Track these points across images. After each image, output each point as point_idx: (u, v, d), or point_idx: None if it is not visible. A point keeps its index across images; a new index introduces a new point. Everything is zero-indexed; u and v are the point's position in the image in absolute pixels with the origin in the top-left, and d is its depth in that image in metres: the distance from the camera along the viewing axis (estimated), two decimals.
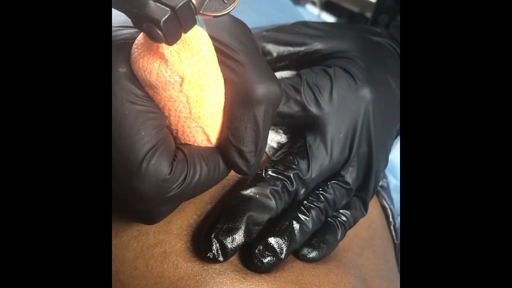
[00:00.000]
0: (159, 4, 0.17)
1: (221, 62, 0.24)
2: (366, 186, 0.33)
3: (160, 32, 0.17)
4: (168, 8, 0.17)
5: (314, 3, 0.92)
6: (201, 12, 0.20)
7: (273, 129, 0.35)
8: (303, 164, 0.30)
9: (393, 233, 0.40)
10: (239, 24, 0.26)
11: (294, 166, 0.30)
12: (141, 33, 0.21)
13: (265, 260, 0.27)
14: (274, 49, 0.36)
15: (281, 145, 0.34)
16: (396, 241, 0.40)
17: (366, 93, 0.32)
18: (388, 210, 0.40)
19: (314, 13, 0.87)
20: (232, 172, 0.26)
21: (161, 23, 0.17)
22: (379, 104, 0.33)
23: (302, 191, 0.30)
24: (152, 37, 0.18)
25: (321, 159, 0.31)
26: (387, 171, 0.44)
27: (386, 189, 0.42)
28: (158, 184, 0.22)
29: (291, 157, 0.31)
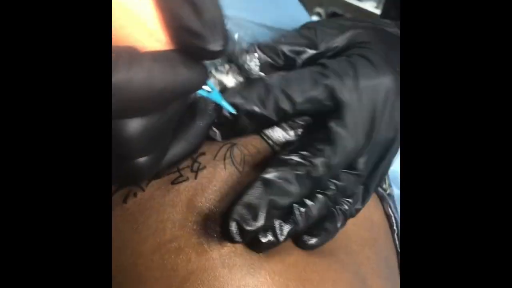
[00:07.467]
0: None
1: None
2: (374, 174, 0.34)
3: None
4: None
5: (320, 15, 0.94)
6: None
7: (280, 126, 0.35)
8: (327, 151, 0.30)
9: (397, 242, 0.39)
10: None
11: (318, 153, 0.30)
12: None
13: (264, 240, 0.28)
14: (292, 54, 0.35)
15: (289, 142, 0.34)
16: (399, 250, 0.39)
17: (386, 81, 0.32)
18: (393, 218, 0.40)
19: None
20: (249, 161, 0.27)
21: None
22: (397, 92, 0.33)
23: (325, 177, 0.30)
24: None
25: (343, 145, 0.31)
26: (391, 182, 0.43)
27: (392, 197, 0.42)
28: None
29: (314, 143, 0.31)
